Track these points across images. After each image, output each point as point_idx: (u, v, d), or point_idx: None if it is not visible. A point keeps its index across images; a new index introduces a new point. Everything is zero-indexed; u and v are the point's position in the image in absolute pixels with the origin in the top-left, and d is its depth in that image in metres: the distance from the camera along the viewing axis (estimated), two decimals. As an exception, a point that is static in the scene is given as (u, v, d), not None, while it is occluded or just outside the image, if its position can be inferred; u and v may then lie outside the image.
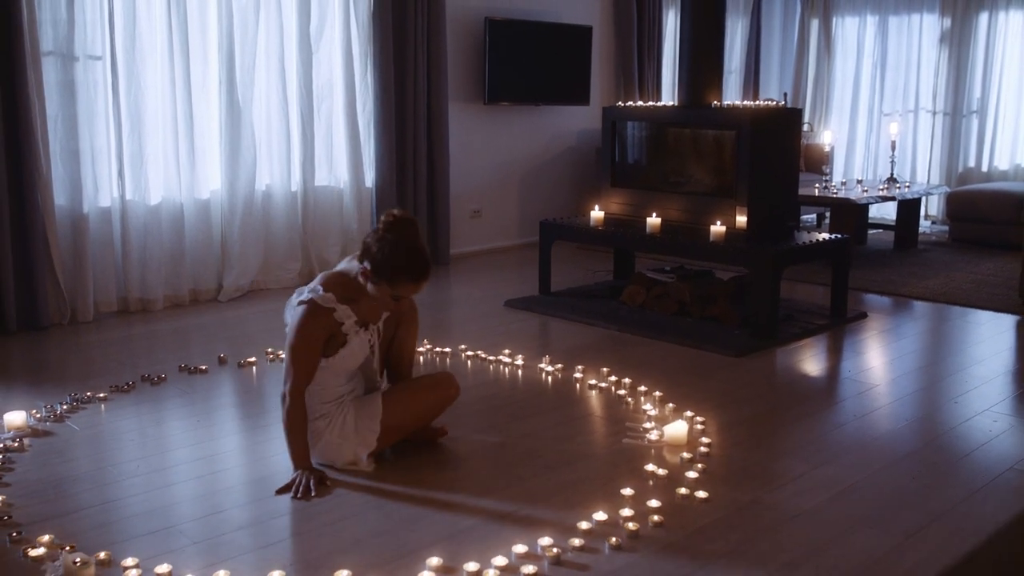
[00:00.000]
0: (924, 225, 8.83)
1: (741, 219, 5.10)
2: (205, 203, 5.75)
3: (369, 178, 6.51)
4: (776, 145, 5.19)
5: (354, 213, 6.42)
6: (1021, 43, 8.39)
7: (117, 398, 3.95)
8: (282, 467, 3.16)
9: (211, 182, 5.80)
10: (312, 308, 2.97)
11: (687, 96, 5.50)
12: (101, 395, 3.94)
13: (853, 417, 3.82)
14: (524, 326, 5.23)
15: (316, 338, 2.99)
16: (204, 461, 3.29)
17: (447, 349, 4.68)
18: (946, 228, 8.38)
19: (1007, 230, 7.41)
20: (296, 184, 6.16)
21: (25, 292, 5.04)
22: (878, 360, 4.73)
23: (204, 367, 4.36)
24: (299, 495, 2.92)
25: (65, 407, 3.79)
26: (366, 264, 2.97)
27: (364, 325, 3.10)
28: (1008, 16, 8.43)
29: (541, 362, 4.42)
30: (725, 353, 4.63)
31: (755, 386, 4.21)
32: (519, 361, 4.44)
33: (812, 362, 4.71)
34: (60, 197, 5.18)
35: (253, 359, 4.48)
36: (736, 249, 4.94)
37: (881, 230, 8.34)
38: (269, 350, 4.61)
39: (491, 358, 4.53)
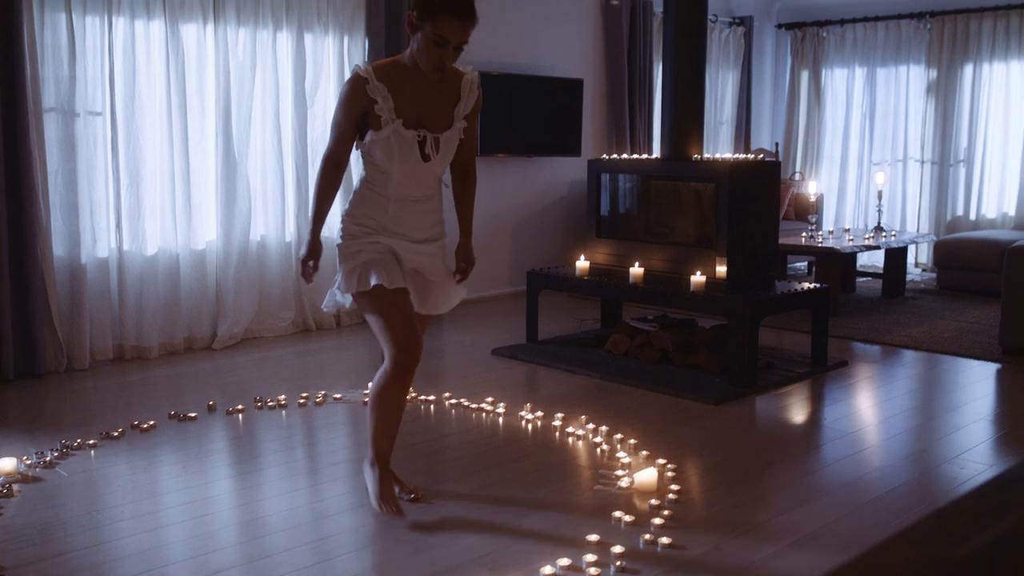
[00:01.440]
0: (915, 272, 8.94)
1: (721, 269, 5.23)
2: (201, 253, 5.90)
3: (362, 228, 6.66)
4: (755, 196, 5.33)
5: (347, 262, 6.56)
6: (1005, 94, 8.56)
7: (107, 445, 4.07)
8: (268, 511, 3.26)
9: (207, 233, 5.96)
10: (351, 76, 3.01)
11: (669, 149, 5.65)
12: (91, 442, 4.06)
13: (823, 465, 3.91)
14: (509, 374, 5.34)
15: (348, 105, 2.99)
16: (190, 506, 3.40)
17: (431, 397, 4.79)
18: (935, 276, 8.49)
19: (993, 278, 7.51)
20: (290, 234, 6.31)
21: (23, 340, 5.17)
22: (853, 408, 4.82)
23: (193, 414, 4.47)
24: (302, 274, 3.22)
25: (55, 454, 3.90)
26: (411, 12, 2.94)
27: (413, 125, 3.02)
28: (992, 68, 8.60)
29: (523, 410, 4.52)
30: (703, 401, 4.73)
31: (729, 433, 4.31)
32: (500, 409, 4.55)
33: (787, 410, 4.80)
34: (59, 248, 5.34)
35: (241, 407, 4.59)
36: (715, 299, 5.05)
37: (870, 278, 8.45)
38: (257, 398, 4.72)
39: (474, 406, 4.64)
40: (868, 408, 4.81)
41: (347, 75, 6.32)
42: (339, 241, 3.16)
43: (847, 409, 4.79)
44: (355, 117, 3.00)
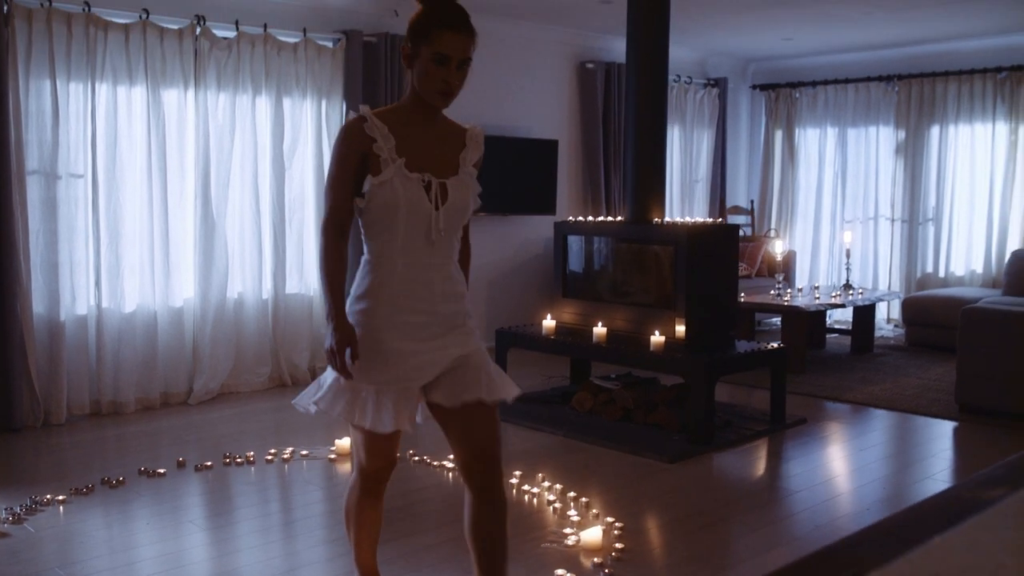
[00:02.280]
0: (887, 328, 9.10)
1: (680, 329, 5.38)
2: (178, 311, 6.05)
3: (339, 285, 6.82)
4: (713, 258, 5.50)
5: (323, 319, 6.71)
6: (970, 154, 8.79)
7: (76, 500, 4.19)
8: (235, 564, 3.38)
9: (185, 291, 6.12)
10: (345, 123, 2.62)
11: (631, 212, 5.84)
12: (60, 497, 4.18)
13: (767, 523, 4.03)
14: (476, 430, 5.46)
15: (346, 156, 2.56)
16: (154, 561, 3.51)
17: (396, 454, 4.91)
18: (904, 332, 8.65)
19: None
20: (267, 292, 6.47)
21: (1, 396, 5.31)
22: (805, 466, 4.95)
23: (163, 471, 4.60)
24: (337, 370, 2.56)
25: (24, 509, 4.02)
26: (404, 44, 2.61)
27: (418, 168, 2.56)
28: (957, 129, 8.84)
29: (482, 467, 4.65)
30: (660, 459, 4.86)
31: (681, 491, 4.44)
32: (461, 466, 4.68)
33: (741, 468, 4.93)
34: (39, 306, 5.50)
35: (210, 463, 4.72)
36: (673, 359, 5.21)
37: (839, 334, 8.61)
38: (227, 454, 4.85)
39: (435, 463, 4.77)
40: (818, 467, 4.94)
41: (325, 137, 6.55)
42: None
43: (797, 468, 4.92)
44: (353, 164, 2.55)
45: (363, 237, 2.61)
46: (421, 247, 2.56)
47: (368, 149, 2.54)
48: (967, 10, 7.37)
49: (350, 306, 2.61)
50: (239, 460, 4.80)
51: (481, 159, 2.73)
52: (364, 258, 2.62)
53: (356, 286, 2.62)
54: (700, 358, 5.08)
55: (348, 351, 2.52)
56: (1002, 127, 8.54)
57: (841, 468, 4.86)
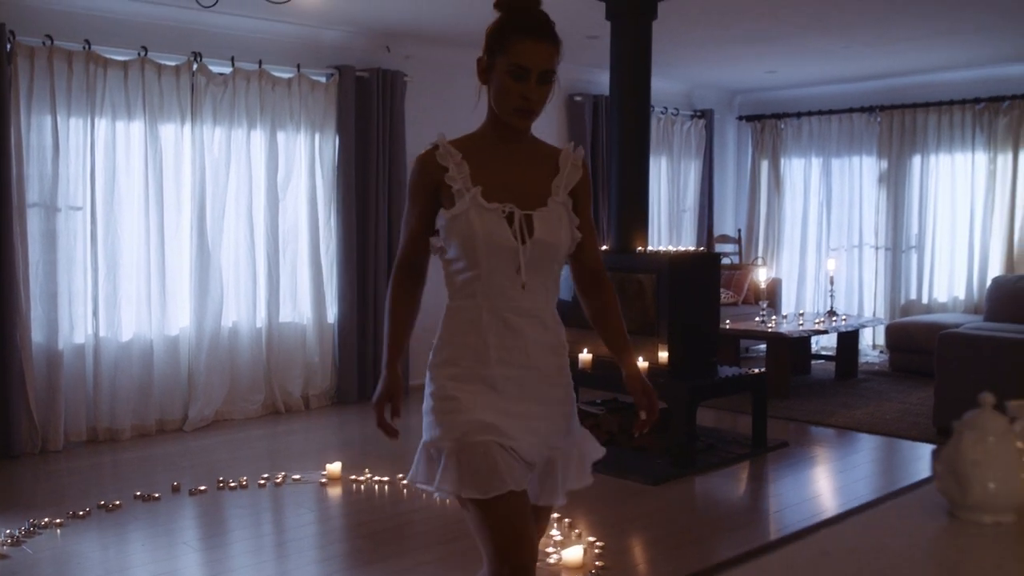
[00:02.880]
0: (872, 354, 9.25)
1: (663, 355, 5.53)
2: (174, 339, 6.19)
3: (331, 314, 6.97)
4: (695, 286, 5.66)
5: (316, 347, 6.86)
6: (951, 183, 8.97)
7: (73, 524, 4.31)
8: (209, 588, 3.50)
9: (180, 320, 6.26)
10: (418, 156, 2.34)
11: (615, 241, 6.00)
12: (58, 521, 4.30)
13: (745, 542, 4.16)
14: (464, 455, 5.59)
15: (417, 189, 2.31)
16: (141, 583, 3.64)
17: (385, 477, 5.04)
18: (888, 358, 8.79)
19: (940, 360, 7.81)
20: (261, 321, 6.62)
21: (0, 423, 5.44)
22: (784, 488, 5.08)
23: (157, 495, 4.72)
24: (376, 424, 2.32)
25: (23, 532, 4.14)
26: (480, 56, 2.30)
27: (497, 197, 2.24)
28: (938, 159, 9.03)
29: (469, 490, 4.78)
30: (643, 481, 4.99)
31: (662, 512, 4.56)
32: (449, 489, 4.80)
33: (721, 490, 5.06)
34: (37, 335, 5.63)
35: (204, 487, 4.84)
36: (655, 384, 5.32)
37: (824, 360, 8.75)
38: (220, 479, 4.97)
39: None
40: (796, 490, 5.07)
41: (318, 169, 6.72)
42: (428, 404, 2.29)
43: (777, 490, 5.05)
44: (427, 199, 2.28)
45: (444, 281, 2.31)
46: (508, 290, 2.23)
47: (441, 180, 2.24)
48: (945, 44, 7.58)
49: (431, 360, 2.30)
50: (232, 485, 4.93)
51: (583, 185, 2.35)
52: (448, 305, 2.31)
53: (439, 334, 2.31)
54: (681, 384, 5.23)
55: (389, 407, 2.26)
56: (981, 156, 8.73)
57: (820, 490, 4.99)
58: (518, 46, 2.19)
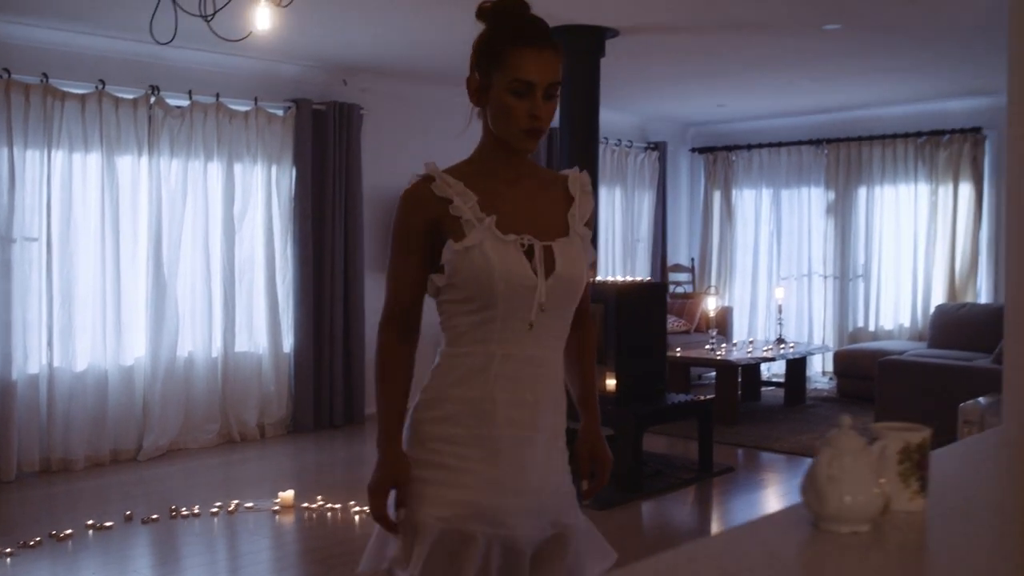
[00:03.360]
0: (822, 381, 9.46)
1: (611, 383, 5.67)
2: (129, 369, 6.24)
3: (287, 343, 7.05)
4: (642, 315, 5.81)
5: (272, 376, 6.93)
6: (895, 214, 9.24)
7: (23, 554, 4.35)
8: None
9: (136, 350, 6.31)
10: (406, 190, 1.99)
11: (566, 272, 6.15)
12: (7, 550, 4.34)
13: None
14: (417, 482, 5.67)
15: (409, 230, 1.95)
16: (91, 610, 3.69)
17: (338, 505, 5.12)
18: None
19: (885, 386, 8.03)
20: (217, 350, 6.68)
21: (-48, 454, 5.45)
22: (727, 512, 5.22)
23: (110, 524, 4.76)
24: (374, 516, 1.95)
25: (-27, 562, 4.18)
26: (471, 73, 2.01)
27: (512, 228, 1.92)
28: (883, 190, 9.31)
29: (420, 516, 4.86)
30: (590, 506, 5.10)
31: (608, 537, 4.61)
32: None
33: (666, 514, 5.19)
34: (-9, 365, 5.67)
35: (156, 516, 4.89)
36: (603, 411, 5.45)
37: (774, 387, 8.94)
38: (173, 508, 5.02)
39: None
40: (740, 512, 5.21)
41: (275, 200, 6.81)
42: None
43: (720, 512, 5.19)
44: (424, 240, 1.94)
45: (441, 325, 1.98)
46: (523, 333, 1.90)
47: (442, 213, 1.91)
48: (886, 80, 7.85)
49: (416, 415, 1.97)
50: (185, 513, 4.98)
51: (592, 214, 2.07)
52: (441, 351, 1.98)
53: (424, 389, 1.98)
54: (628, 410, 5.36)
55: (393, 494, 1.88)
56: (923, 188, 9.01)
57: (762, 512, 5.13)
58: (517, 58, 1.89)
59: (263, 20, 4.28)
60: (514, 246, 1.89)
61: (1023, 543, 1.36)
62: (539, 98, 1.89)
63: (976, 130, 8.60)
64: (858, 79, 7.83)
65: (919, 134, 8.98)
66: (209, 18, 4.59)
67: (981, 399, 5.31)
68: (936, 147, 8.89)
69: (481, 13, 1.97)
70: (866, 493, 1.31)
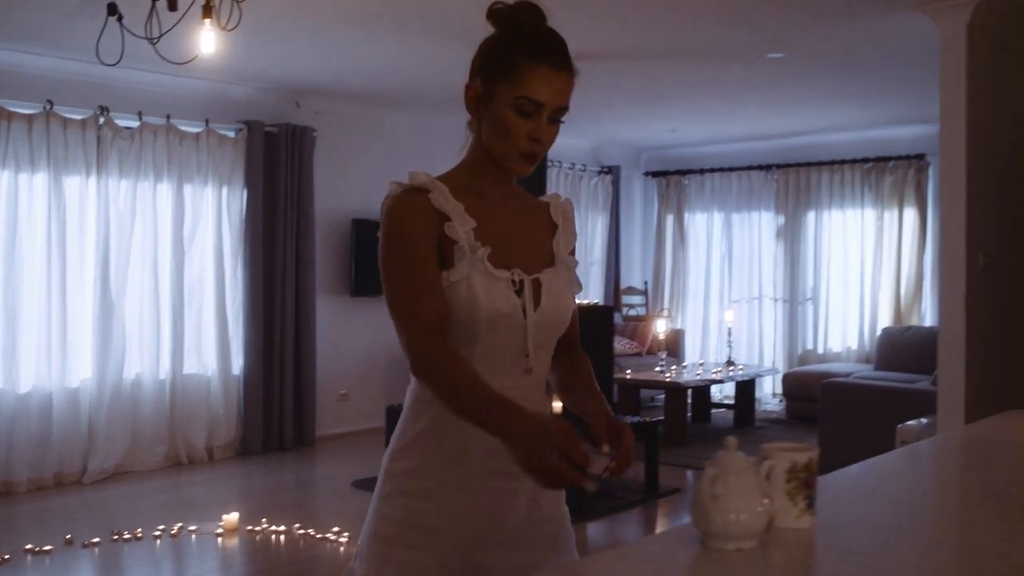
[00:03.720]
0: (773, 403, 9.57)
1: (557, 405, 5.70)
2: (74, 391, 6.19)
3: (237, 365, 7.03)
4: (588, 338, 5.84)
5: (221, 398, 6.90)
6: (843, 238, 9.42)
7: (-41, 579, 4.29)
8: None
9: (81, 372, 6.26)
10: (395, 196, 1.78)
11: (514, 294, 6.21)
12: (-57, 576, 4.28)
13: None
14: (363, 505, 5.63)
15: (419, 235, 1.74)
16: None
17: (282, 527, 5.10)
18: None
19: (832, 408, 8.15)
20: (165, 372, 6.64)
21: None
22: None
23: (49, 548, 4.71)
24: (552, 484, 1.59)
25: (-94, 588, 4.12)
26: (472, 79, 1.80)
27: (504, 261, 1.76)
28: (831, 214, 9.49)
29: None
30: (535, 527, 5.13)
31: (551, 558, 4.70)
32: (343, 538, 4.89)
33: (610, 535, 5.24)
34: (-68, 388, 5.60)
35: (97, 540, 4.85)
36: (549, 432, 5.51)
37: (725, 409, 9.04)
38: (115, 531, 4.98)
39: (319, 536, 4.97)
40: (687, 532, 5.27)
41: (225, 221, 6.81)
42: (375, 527, 1.80)
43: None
44: (431, 243, 1.75)
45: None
46: (502, 374, 1.73)
47: (440, 228, 1.74)
48: (832, 107, 8.02)
49: (388, 466, 1.80)
50: (127, 537, 4.94)
51: (574, 243, 1.94)
52: (412, 394, 1.80)
53: (398, 436, 1.80)
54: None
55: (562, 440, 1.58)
56: (870, 212, 9.19)
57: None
58: (529, 74, 1.71)
59: (208, 44, 4.30)
60: (504, 283, 1.74)
61: (901, 561, 1.42)
62: (544, 120, 1.73)
63: (920, 156, 8.80)
64: (804, 106, 7.99)
65: (865, 160, 9.17)
66: (155, 41, 4.61)
67: (918, 420, 5.44)
68: (882, 173, 9.08)
69: (494, 15, 1.77)
70: (750, 511, 1.37)
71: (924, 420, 5.55)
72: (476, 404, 1.60)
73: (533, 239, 1.85)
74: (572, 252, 1.91)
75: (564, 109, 1.75)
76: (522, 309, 1.74)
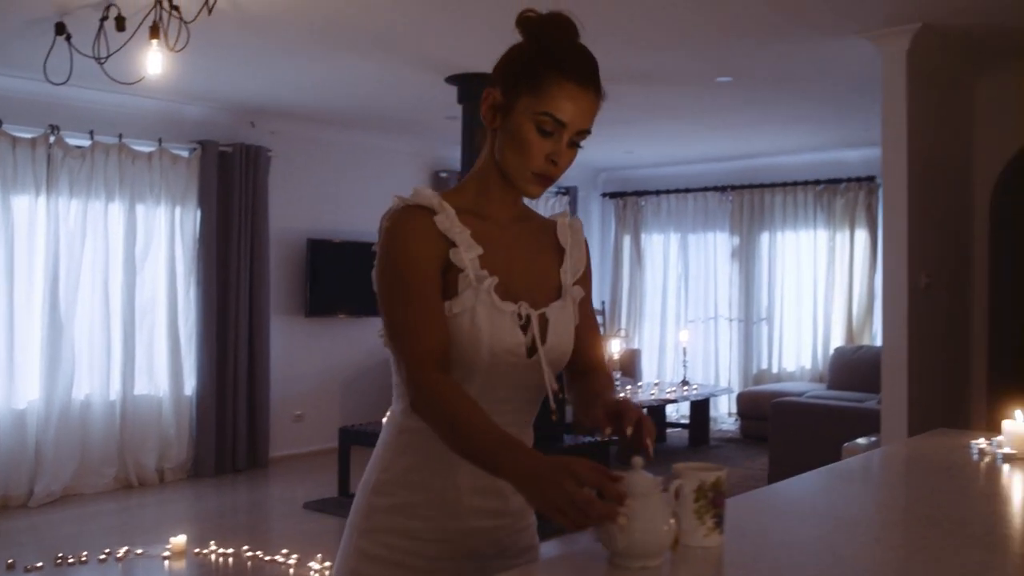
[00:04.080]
0: (728, 422, 9.65)
1: (509, 425, 5.73)
2: (21, 413, 6.11)
3: (189, 386, 6.97)
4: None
5: (172, 419, 6.84)
6: (796, 259, 9.55)
7: None
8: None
9: (29, 392, 6.18)
10: (397, 213, 1.66)
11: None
12: None
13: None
14: (314, 527, 5.65)
15: (423, 256, 1.63)
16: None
17: (230, 550, 5.06)
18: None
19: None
20: (115, 393, 6.57)
21: None
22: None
23: (-9, 572, 4.65)
24: (581, 520, 1.45)
25: None
26: (490, 87, 1.68)
27: (511, 292, 1.66)
28: (784, 235, 9.61)
29: (312, 561, 4.85)
30: (486, 548, 5.13)
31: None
32: (292, 560, 4.86)
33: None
34: None
35: (40, 564, 4.78)
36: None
37: (680, 428, 9.10)
38: (59, 555, 4.91)
39: (267, 558, 4.94)
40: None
41: (178, 241, 6.77)
42: (353, 564, 1.71)
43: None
44: (436, 264, 1.63)
45: (397, 387, 1.68)
46: (501, 411, 1.62)
47: (444, 253, 1.64)
48: (783, 129, 8.14)
49: (370, 499, 1.69)
50: (72, 561, 4.88)
51: (588, 268, 1.83)
52: (396, 425, 1.69)
53: (383, 469, 1.69)
54: (524, 451, 5.41)
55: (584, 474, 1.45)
56: (822, 233, 9.32)
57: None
58: (555, 89, 1.61)
59: (155, 64, 4.30)
60: (510, 317, 1.63)
61: None
62: (564, 142, 1.63)
63: (870, 179, 8.94)
64: (755, 128, 8.11)
65: (817, 182, 9.30)
66: (103, 60, 4.60)
67: (863, 439, 5.52)
68: (834, 195, 9.22)
69: (524, 23, 1.66)
70: (654, 530, 1.40)
71: (872, 438, 5.63)
72: (486, 445, 1.48)
73: (540, 268, 1.73)
74: (587, 274, 1.80)
75: (586, 132, 1.65)
76: (526, 348, 1.63)
